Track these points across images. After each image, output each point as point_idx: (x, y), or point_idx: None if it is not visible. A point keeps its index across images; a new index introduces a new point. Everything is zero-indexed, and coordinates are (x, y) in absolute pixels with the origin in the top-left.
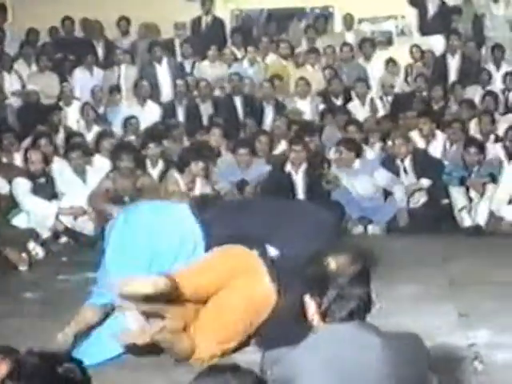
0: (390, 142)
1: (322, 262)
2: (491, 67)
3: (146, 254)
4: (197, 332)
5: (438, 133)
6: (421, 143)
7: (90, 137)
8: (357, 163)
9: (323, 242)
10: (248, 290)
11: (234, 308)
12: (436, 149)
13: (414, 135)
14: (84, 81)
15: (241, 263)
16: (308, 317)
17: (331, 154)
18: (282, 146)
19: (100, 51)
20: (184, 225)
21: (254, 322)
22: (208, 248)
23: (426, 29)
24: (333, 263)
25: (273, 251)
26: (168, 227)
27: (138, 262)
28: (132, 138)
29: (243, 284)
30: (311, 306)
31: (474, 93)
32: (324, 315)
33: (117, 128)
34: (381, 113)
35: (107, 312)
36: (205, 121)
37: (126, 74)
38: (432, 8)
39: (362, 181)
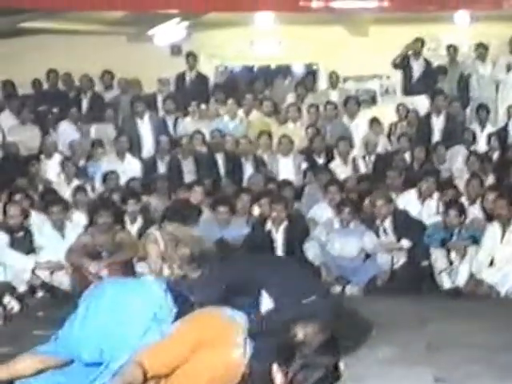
0: (367, 202)
1: (290, 330)
2: (476, 127)
3: (98, 334)
4: None
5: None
6: (415, 204)
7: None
8: (352, 224)
9: (318, 297)
10: (213, 362)
11: (198, 380)
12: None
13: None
14: (68, 134)
15: (206, 334)
16: None
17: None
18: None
19: (85, 104)
20: (151, 305)
21: None
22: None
23: (410, 89)
24: (300, 332)
25: (267, 303)
26: (133, 307)
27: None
28: (112, 193)
29: (208, 356)
30: (278, 375)
31: (457, 153)
32: None
33: (98, 183)
34: (363, 172)
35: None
36: (186, 177)
37: (108, 128)
38: (418, 69)
39: (350, 242)
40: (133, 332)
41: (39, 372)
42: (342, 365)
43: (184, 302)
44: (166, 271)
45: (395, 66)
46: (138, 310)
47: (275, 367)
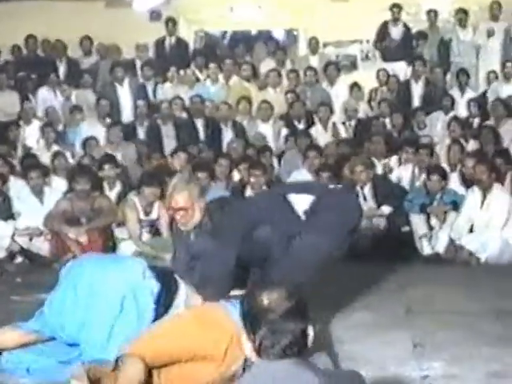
0: (346, 170)
1: (255, 298)
2: (456, 93)
3: (79, 314)
4: None
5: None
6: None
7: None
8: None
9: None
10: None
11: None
12: (405, 175)
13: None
14: (48, 100)
15: (207, 346)
16: (247, 355)
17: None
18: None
19: (62, 70)
20: (128, 284)
21: None
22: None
23: (389, 55)
24: (266, 299)
25: (307, 199)
26: (110, 285)
27: (68, 322)
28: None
29: (206, 367)
30: (247, 344)
31: (437, 119)
32: (258, 352)
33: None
34: (343, 137)
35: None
36: (166, 143)
37: (88, 94)
38: (397, 34)
39: None
40: (110, 311)
41: (22, 345)
42: (310, 330)
43: (169, 280)
44: (146, 236)
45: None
46: (114, 289)
47: (244, 337)
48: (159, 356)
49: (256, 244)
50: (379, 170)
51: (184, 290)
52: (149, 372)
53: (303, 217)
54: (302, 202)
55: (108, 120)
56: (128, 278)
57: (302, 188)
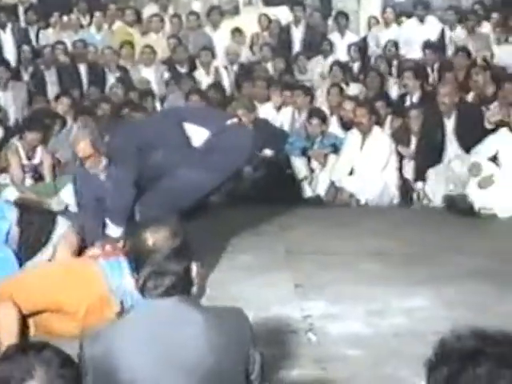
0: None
1: (140, 237)
2: (336, 37)
3: None
4: None
5: (288, 101)
6: (272, 113)
7: None
8: None
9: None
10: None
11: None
12: (285, 118)
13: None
14: None
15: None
16: (131, 290)
17: None
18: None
19: None
20: None
21: None
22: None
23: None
24: (150, 239)
25: (199, 134)
26: None
27: None
28: None
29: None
30: (130, 279)
31: (317, 64)
32: (142, 291)
33: None
34: (225, 82)
35: None
36: (49, 88)
37: None
38: None
39: None
40: None
41: None
42: (194, 269)
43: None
44: (29, 181)
45: None
46: None
47: (128, 275)
48: (30, 302)
49: (148, 168)
50: (261, 114)
51: (62, 229)
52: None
53: (196, 151)
54: (197, 136)
55: None
56: None
57: (200, 120)
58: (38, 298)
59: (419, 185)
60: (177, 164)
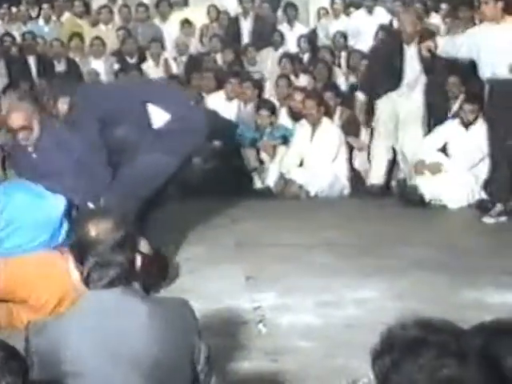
0: None
1: (83, 228)
2: (285, 28)
3: None
4: None
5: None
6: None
7: None
8: None
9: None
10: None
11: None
12: (232, 109)
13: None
14: None
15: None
16: (76, 285)
17: None
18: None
19: None
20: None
21: None
22: None
23: None
24: (93, 230)
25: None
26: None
27: None
28: None
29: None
30: (74, 273)
31: (267, 55)
32: (86, 283)
33: None
34: (174, 73)
35: None
36: None
37: None
38: None
39: None
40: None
41: None
42: (138, 261)
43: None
44: None
45: None
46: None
47: (71, 265)
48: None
49: (111, 142)
50: (209, 105)
51: None
52: None
53: (154, 133)
54: (158, 118)
55: None
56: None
57: (163, 103)
58: (7, 284)
59: None
60: (137, 143)
